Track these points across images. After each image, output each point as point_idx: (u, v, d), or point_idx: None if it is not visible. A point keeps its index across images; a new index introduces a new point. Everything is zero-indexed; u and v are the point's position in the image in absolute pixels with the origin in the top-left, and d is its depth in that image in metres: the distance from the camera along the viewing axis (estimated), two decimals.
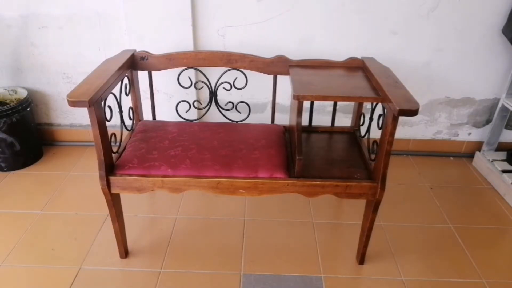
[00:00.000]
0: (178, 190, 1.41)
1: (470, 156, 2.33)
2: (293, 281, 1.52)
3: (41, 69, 2.15)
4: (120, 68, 1.46)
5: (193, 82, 1.71)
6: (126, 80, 1.57)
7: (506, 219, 1.87)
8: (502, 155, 2.21)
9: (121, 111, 1.50)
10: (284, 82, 1.85)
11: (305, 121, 1.69)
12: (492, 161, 2.16)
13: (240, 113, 1.86)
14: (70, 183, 2.03)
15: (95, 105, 1.24)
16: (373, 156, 1.46)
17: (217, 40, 2.01)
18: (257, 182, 1.39)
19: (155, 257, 1.60)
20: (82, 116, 2.30)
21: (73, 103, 1.20)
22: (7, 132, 2.01)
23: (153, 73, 1.69)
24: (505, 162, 2.15)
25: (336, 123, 1.79)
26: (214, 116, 1.99)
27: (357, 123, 1.74)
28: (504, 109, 2.11)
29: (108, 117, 1.36)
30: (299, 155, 1.37)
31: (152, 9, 1.91)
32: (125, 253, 1.59)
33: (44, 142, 2.33)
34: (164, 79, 2.01)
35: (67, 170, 2.13)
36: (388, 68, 1.53)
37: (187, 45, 1.97)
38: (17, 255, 1.59)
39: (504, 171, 2.07)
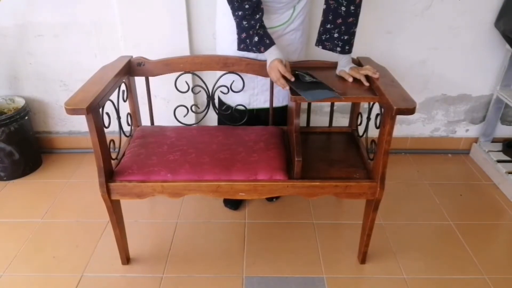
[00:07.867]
0: (178, 195, 1.41)
1: (468, 152, 2.34)
2: (295, 282, 1.52)
3: (38, 77, 2.15)
4: (117, 75, 1.46)
5: (191, 87, 1.71)
6: (123, 86, 1.57)
7: (506, 214, 1.88)
8: (498, 146, 2.24)
9: (119, 118, 1.51)
10: None
11: (303, 122, 1.69)
12: (488, 151, 2.19)
13: (238, 115, 1.86)
14: (70, 191, 2.03)
15: (93, 112, 1.24)
16: (371, 156, 1.47)
17: (213, 44, 2.01)
18: (257, 184, 1.39)
19: (157, 262, 1.60)
20: (80, 123, 2.30)
21: (71, 110, 1.20)
22: (5, 141, 2.01)
23: (150, 78, 1.69)
24: (501, 153, 2.18)
25: (334, 124, 1.80)
26: (212, 120, 2.00)
27: (354, 123, 1.74)
28: (499, 100, 2.14)
29: (106, 123, 1.36)
30: (298, 156, 1.38)
31: (147, 15, 1.91)
32: (126, 259, 1.59)
33: (43, 150, 2.32)
34: (161, 84, 2.00)
35: (66, 177, 2.13)
36: (384, 68, 1.54)
37: (183, 50, 1.98)
38: (19, 264, 1.59)
39: (499, 161, 2.10)
